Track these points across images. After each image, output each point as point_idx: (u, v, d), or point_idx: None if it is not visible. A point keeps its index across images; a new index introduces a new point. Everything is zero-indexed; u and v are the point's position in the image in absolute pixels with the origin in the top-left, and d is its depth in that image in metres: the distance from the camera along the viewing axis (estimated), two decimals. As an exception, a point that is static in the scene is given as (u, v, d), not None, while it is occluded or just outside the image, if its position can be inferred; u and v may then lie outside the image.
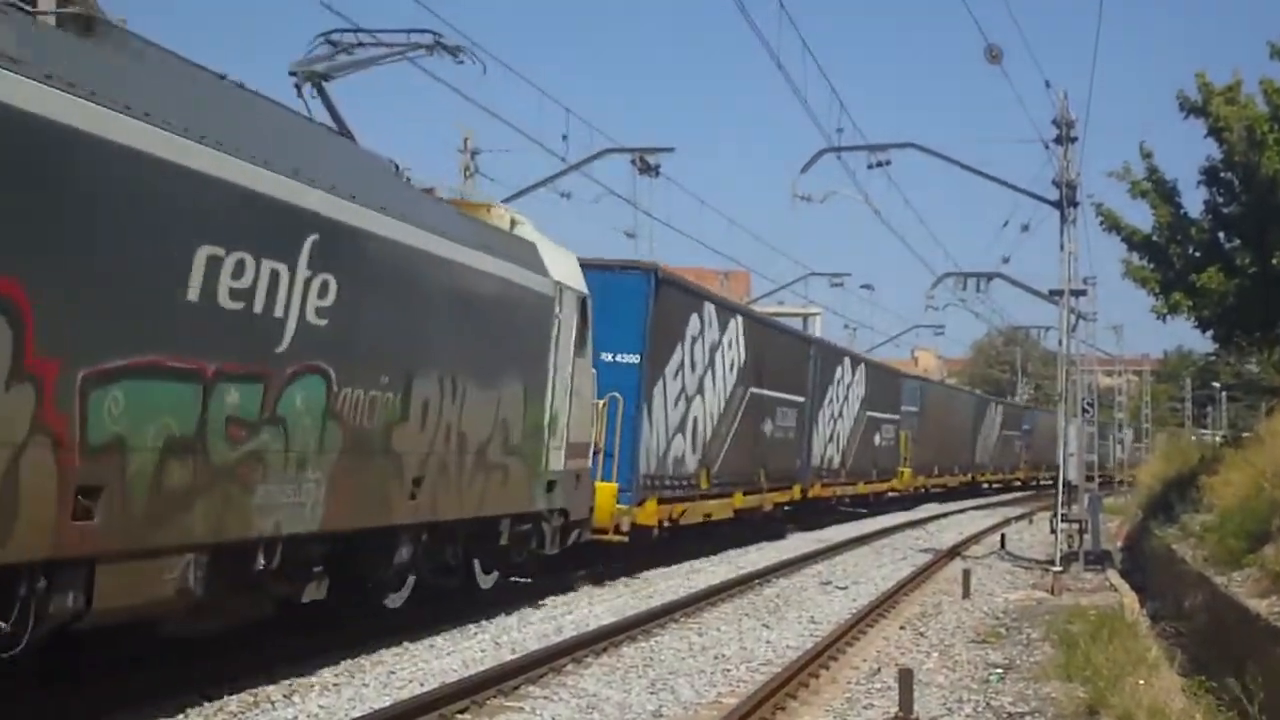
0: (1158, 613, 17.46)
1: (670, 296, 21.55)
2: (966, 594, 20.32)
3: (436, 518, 12.94)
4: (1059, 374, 27.56)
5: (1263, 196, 22.95)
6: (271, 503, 10.15)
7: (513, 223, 15.83)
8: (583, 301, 16.79)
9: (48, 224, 7.81)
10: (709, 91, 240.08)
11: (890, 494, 44.85)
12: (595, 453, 18.01)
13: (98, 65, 8.51)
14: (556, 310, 15.77)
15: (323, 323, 10.58)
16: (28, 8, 8.52)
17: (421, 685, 11.36)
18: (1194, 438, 55.86)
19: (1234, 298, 23.98)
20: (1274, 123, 22.47)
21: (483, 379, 13.69)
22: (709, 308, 24.17)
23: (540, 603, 16.89)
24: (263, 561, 10.35)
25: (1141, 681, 11.06)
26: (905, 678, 11.06)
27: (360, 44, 13.89)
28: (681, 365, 22.42)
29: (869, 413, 39.74)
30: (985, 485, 64.13)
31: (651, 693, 11.83)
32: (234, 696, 10.48)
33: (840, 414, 36.60)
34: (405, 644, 13.32)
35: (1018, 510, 48.50)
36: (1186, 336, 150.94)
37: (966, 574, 21.24)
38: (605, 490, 18.66)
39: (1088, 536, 25.98)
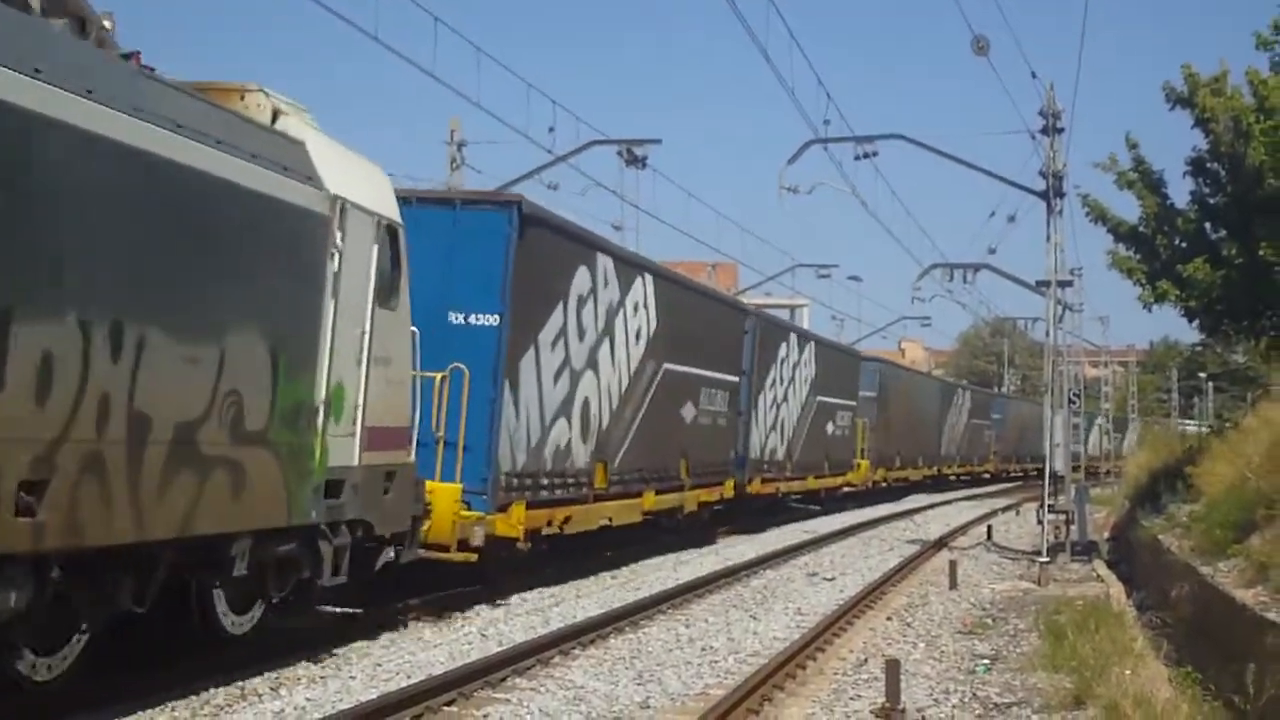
0: (1144, 603, 17.49)
1: (543, 241, 16.78)
2: (953, 585, 20.36)
3: (81, 542, 8.51)
4: (1045, 365, 27.62)
5: (1249, 187, 22.99)
6: None
7: (276, 114, 11.33)
8: (390, 233, 12.45)
9: None
10: (696, 83, 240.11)
11: (846, 489, 40.63)
12: (444, 444, 14.57)
13: None
14: (335, 238, 11.36)
15: None
16: None
17: (408, 678, 11.33)
18: (1179, 428, 55.89)
19: (1220, 289, 24.04)
20: (1260, 113, 22.48)
21: (184, 329, 9.38)
22: (604, 261, 19.24)
23: (525, 595, 16.87)
24: None
25: (1128, 671, 11.08)
26: (892, 668, 11.06)
27: None
28: (564, 332, 17.72)
29: (820, 398, 35.60)
30: (952, 478, 59.13)
31: (639, 684, 11.82)
32: (220, 690, 10.46)
33: (785, 398, 32.22)
34: (391, 636, 13.30)
35: (1005, 501, 48.55)
36: (1173, 327, 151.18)
37: (953, 565, 21.28)
38: (444, 494, 14.48)
39: (1074, 528, 26.07)
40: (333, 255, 11.33)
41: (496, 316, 15.68)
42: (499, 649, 12.77)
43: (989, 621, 16.95)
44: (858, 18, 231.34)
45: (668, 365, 22.30)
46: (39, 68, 7.94)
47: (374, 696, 10.33)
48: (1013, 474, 72.82)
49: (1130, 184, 26.06)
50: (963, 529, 33.69)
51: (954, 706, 11.53)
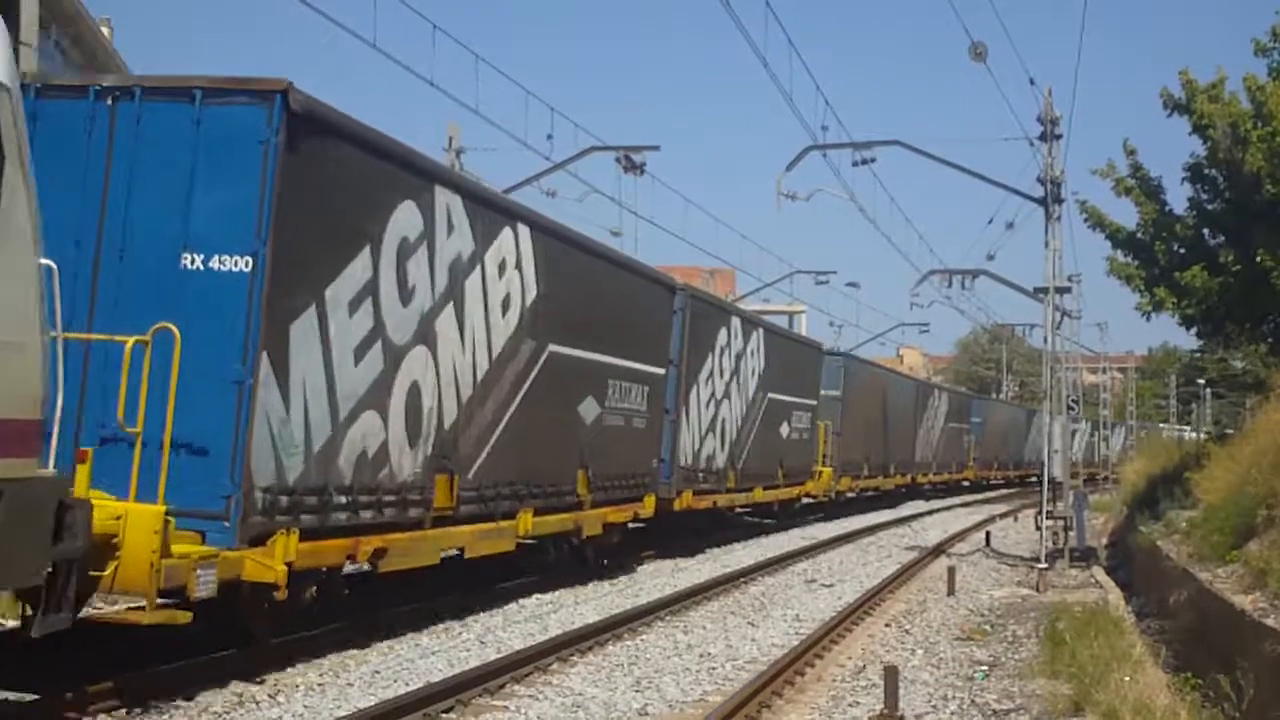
0: (1143, 609, 17.48)
1: (333, 156, 12.06)
2: (951, 591, 20.36)
3: None
4: (1044, 371, 27.64)
5: (1246, 193, 23.00)
6: None
7: None
8: None
9: None
10: (694, 90, 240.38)
11: (805, 500, 35.35)
12: (143, 444, 9.96)
13: None
14: None
15: None
16: None
17: (406, 685, 11.33)
18: (1176, 434, 55.83)
19: (1218, 295, 24.05)
20: (1257, 120, 22.51)
21: None
22: (445, 198, 14.30)
23: (524, 602, 16.86)
24: None
25: (1126, 678, 11.08)
26: (890, 675, 11.06)
27: None
28: (373, 289, 12.75)
29: (772, 395, 30.34)
30: (927, 487, 53.16)
31: (637, 691, 11.81)
32: (219, 695, 10.46)
33: (726, 394, 26.80)
34: (390, 643, 13.30)
35: (1004, 508, 48.51)
36: (1171, 334, 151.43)
37: (951, 571, 21.28)
38: (140, 519, 9.72)
39: (1073, 534, 26.08)
40: None
41: (249, 259, 10.90)
42: (498, 656, 12.77)
43: (987, 628, 16.96)
44: (856, 24, 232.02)
45: (555, 347, 17.42)
46: None
47: (372, 704, 10.33)
48: (993, 482, 68.18)
49: (1128, 190, 26.07)
50: (961, 535, 33.69)
51: (952, 713, 11.54)
